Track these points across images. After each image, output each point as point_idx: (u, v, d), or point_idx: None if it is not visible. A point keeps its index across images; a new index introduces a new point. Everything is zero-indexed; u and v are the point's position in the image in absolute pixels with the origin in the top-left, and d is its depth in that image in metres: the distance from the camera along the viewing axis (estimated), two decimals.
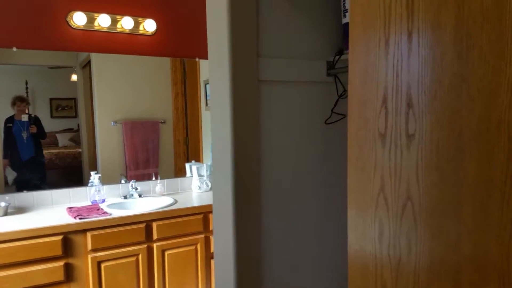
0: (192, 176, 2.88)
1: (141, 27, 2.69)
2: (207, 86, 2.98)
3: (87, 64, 2.61)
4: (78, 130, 2.67)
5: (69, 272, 2.08)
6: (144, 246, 2.28)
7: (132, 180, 2.64)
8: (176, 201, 2.54)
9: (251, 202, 1.14)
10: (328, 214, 1.30)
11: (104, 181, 2.57)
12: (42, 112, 2.55)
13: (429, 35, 0.56)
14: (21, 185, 2.43)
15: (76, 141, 2.68)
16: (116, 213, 2.26)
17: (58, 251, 2.02)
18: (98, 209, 2.31)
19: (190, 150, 2.99)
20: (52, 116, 2.59)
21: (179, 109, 2.92)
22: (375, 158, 0.66)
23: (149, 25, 2.70)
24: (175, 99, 2.90)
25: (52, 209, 2.35)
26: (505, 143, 0.48)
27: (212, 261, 2.51)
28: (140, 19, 2.68)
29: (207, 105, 3.00)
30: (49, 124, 2.58)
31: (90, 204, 2.46)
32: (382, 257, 0.66)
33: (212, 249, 2.49)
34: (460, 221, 0.53)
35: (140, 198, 2.63)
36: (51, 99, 2.58)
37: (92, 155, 2.66)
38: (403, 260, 0.62)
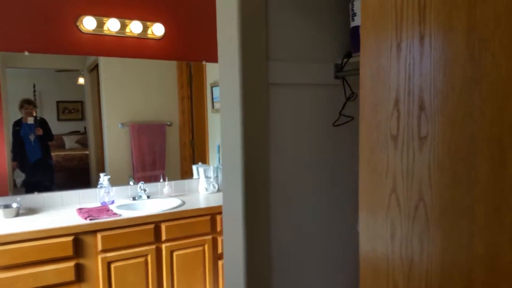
0: (199, 178, 2.90)
1: (149, 31, 2.71)
2: (214, 88, 2.99)
3: (94, 68, 2.63)
4: (84, 133, 2.69)
5: (80, 272, 2.10)
6: (153, 246, 2.30)
7: (141, 182, 2.67)
8: (184, 203, 2.56)
9: (261, 204, 1.15)
10: (336, 215, 1.31)
11: (112, 182, 2.59)
12: (49, 115, 2.58)
13: (441, 38, 0.57)
14: (30, 187, 2.46)
15: (83, 143, 2.70)
16: (126, 214, 2.28)
17: (69, 252, 2.05)
18: (108, 210, 2.33)
19: (196, 152, 3.01)
20: (59, 119, 2.62)
21: (185, 112, 2.94)
22: (387, 160, 0.67)
23: (158, 29, 2.72)
24: (181, 102, 2.92)
25: (63, 210, 2.37)
26: None
27: (220, 262, 2.52)
28: (149, 23, 2.70)
29: (213, 107, 3.02)
30: (56, 127, 2.61)
31: (100, 205, 2.49)
32: (394, 258, 0.67)
33: (219, 250, 2.50)
34: (473, 222, 0.54)
35: (149, 200, 2.65)
36: (58, 102, 2.61)
37: (100, 157, 2.69)
38: (415, 260, 0.63)
